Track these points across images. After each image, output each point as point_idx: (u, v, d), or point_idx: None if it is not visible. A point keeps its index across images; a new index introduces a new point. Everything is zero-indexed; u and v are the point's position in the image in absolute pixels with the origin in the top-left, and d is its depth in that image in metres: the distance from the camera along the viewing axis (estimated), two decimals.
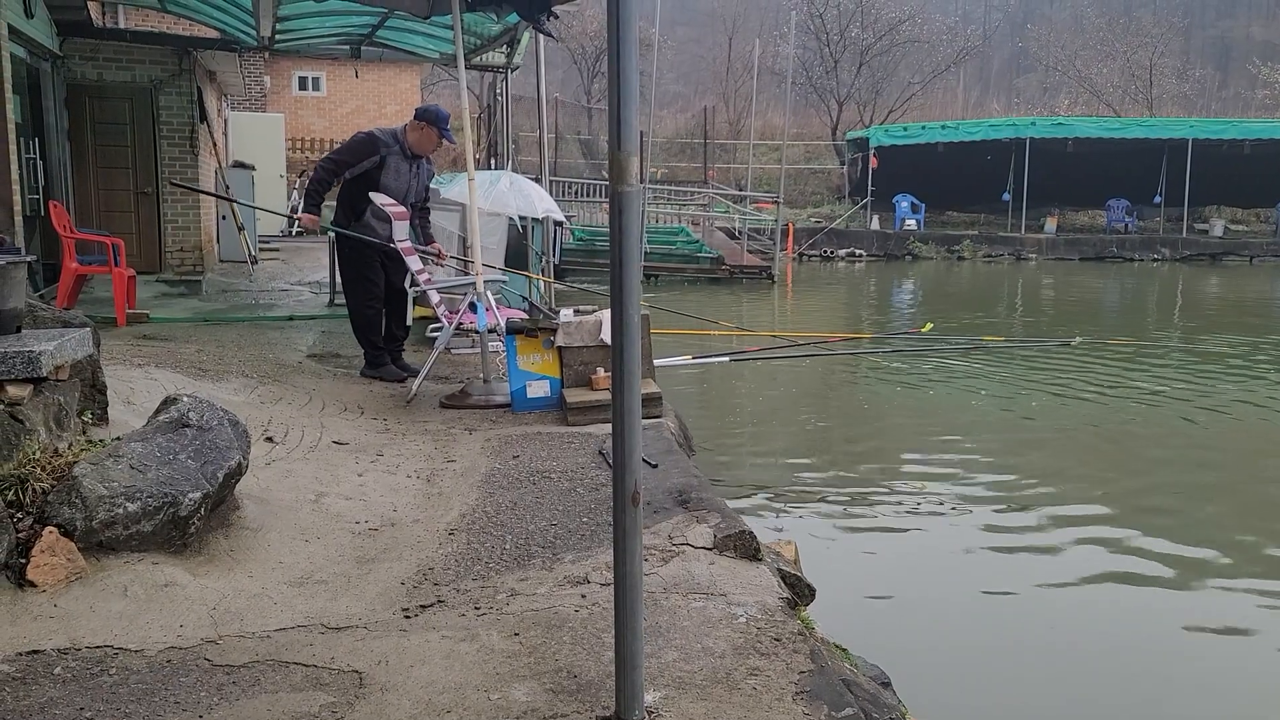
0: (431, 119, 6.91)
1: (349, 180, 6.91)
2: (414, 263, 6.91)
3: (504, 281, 7.51)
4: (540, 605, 3.38)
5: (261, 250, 15.61)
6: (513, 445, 5.38)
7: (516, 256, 8.83)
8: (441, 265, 7.69)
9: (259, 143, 19.16)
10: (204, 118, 12.45)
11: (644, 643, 2.66)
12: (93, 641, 3.08)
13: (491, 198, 8.47)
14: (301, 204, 6.77)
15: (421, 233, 7.35)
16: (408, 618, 3.32)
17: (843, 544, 6.54)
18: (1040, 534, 6.68)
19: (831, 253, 28.84)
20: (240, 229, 13.82)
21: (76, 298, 9.03)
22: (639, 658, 2.60)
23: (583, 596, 3.45)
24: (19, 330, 4.25)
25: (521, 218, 9.11)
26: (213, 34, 12.35)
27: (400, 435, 5.64)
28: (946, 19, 45.57)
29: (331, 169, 6.87)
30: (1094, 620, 5.46)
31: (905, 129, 31.62)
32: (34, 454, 3.72)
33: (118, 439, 4.01)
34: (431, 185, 7.57)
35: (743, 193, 26.86)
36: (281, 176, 19.87)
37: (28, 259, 4.84)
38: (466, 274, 6.93)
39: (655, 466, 4.80)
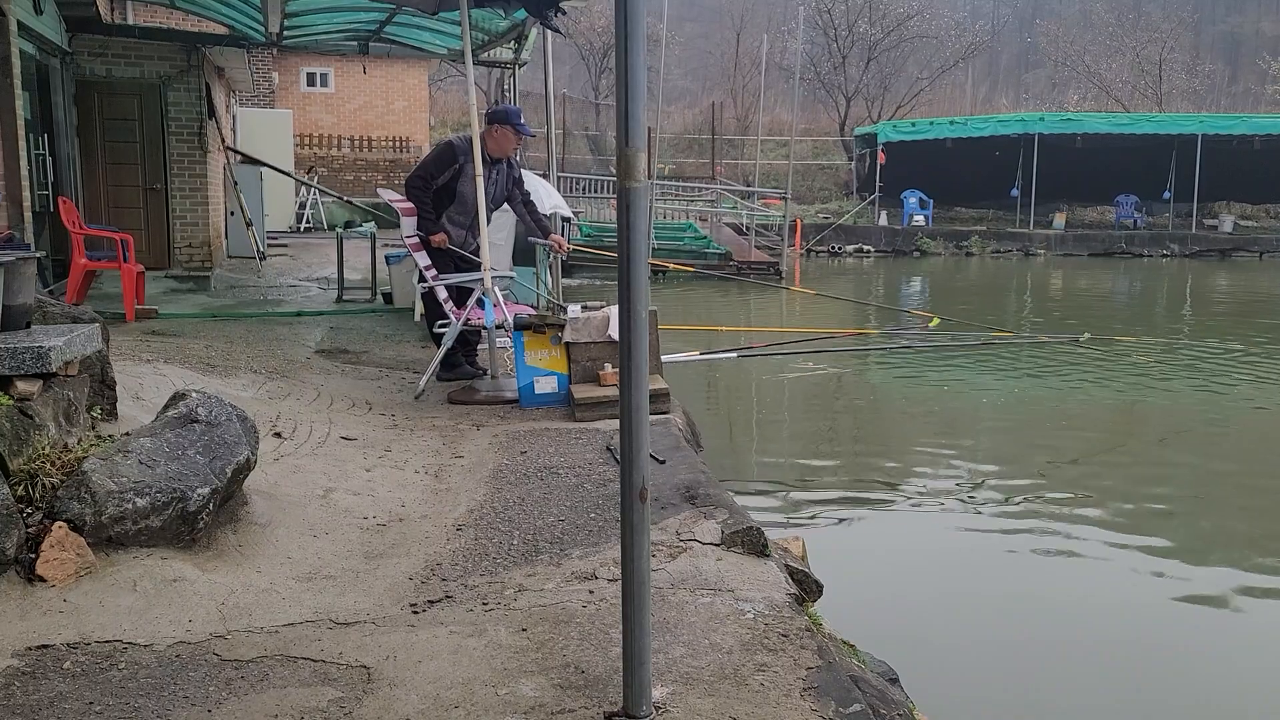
0: (502, 119, 6.92)
1: (434, 189, 6.94)
2: (422, 259, 6.92)
3: (512, 277, 7.51)
4: (548, 601, 3.38)
5: (270, 246, 15.64)
6: (520, 441, 5.38)
7: (524, 253, 8.83)
8: (563, 255, 7.70)
9: (267, 139, 19.18)
10: (212, 114, 12.47)
11: (651, 638, 2.66)
12: (102, 636, 3.09)
13: None
14: (415, 224, 6.85)
15: (537, 225, 7.33)
16: (416, 613, 3.32)
17: (851, 540, 6.53)
18: (1049, 530, 6.66)
19: (839, 249, 28.80)
20: (249, 225, 13.84)
21: (85, 293, 9.04)
22: (646, 653, 2.60)
23: (590, 592, 3.45)
24: (28, 326, 4.26)
25: None
26: (221, 30, 12.36)
27: (408, 431, 5.64)
28: (955, 14, 45.43)
29: (422, 185, 6.90)
30: (1102, 616, 5.45)
31: (913, 125, 31.55)
32: (43, 449, 3.73)
33: (127, 434, 4.02)
34: None
35: (750, 189, 26.83)
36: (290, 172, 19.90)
37: (37, 255, 4.86)
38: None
39: (663, 462, 4.80)
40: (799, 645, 3.03)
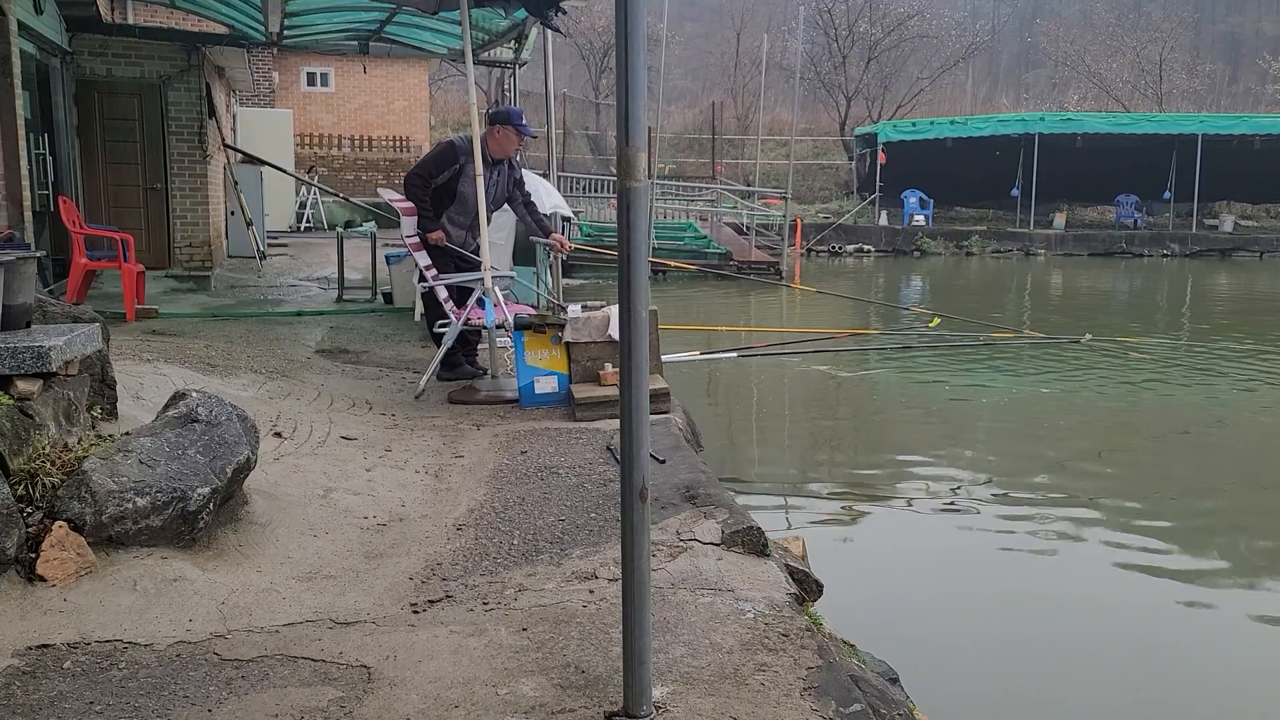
0: (504, 120, 6.91)
1: (433, 189, 6.93)
2: (422, 259, 6.92)
3: (512, 277, 7.51)
4: (548, 600, 3.38)
5: (270, 246, 15.64)
6: (521, 441, 5.38)
7: (524, 253, 8.84)
8: (564, 254, 7.66)
9: (267, 139, 19.17)
10: (212, 113, 12.47)
11: (652, 638, 2.66)
12: (102, 636, 3.09)
13: None
14: (415, 224, 6.85)
15: (538, 226, 7.31)
16: (416, 613, 3.32)
17: (851, 540, 6.53)
18: (1049, 530, 6.67)
19: (839, 248, 28.80)
20: (249, 224, 13.84)
21: (86, 293, 9.04)
22: (647, 653, 2.60)
23: (590, 592, 3.45)
24: (29, 325, 4.26)
25: None
26: (221, 30, 12.37)
27: (408, 431, 5.64)
28: (955, 14, 45.48)
29: (421, 184, 6.90)
30: (1102, 616, 5.45)
31: (914, 124, 31.55)
32: (44, 449, 3.73)
33: (127, 434, 4.02)
34: None
35: (751, 188, 26.83)
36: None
37: (37, 254, 4.85)
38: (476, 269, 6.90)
39: (663, 462, 4.80)
40: (799, 645, 3.03)
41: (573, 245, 7.91)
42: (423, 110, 27.04)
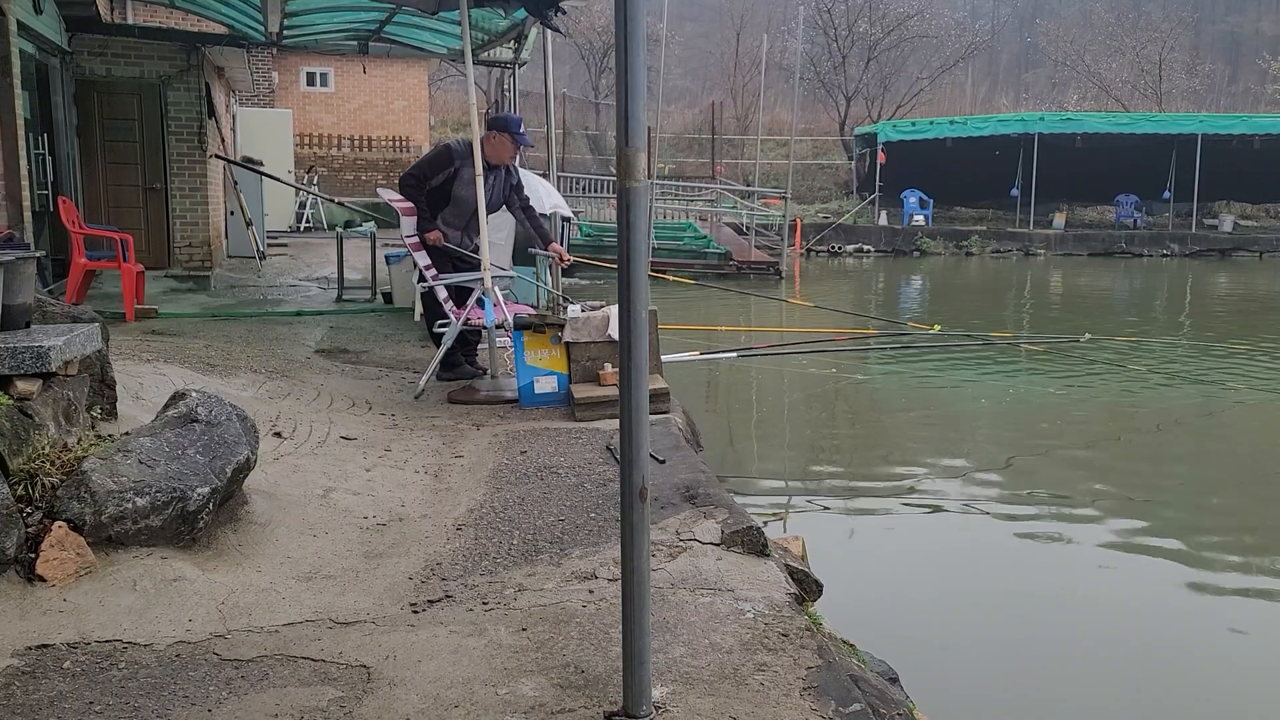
0: (501, 126, 6.91)
1: (428, 190, 6.93)
2: (422, 259, 6.92)
3: (512, 277, 7.51)
4: (548, 600, 3.38)
5: (270, 246, 15.63)
6: (520, 441, 5.38)
7: (525, 253, 8.84)
8: (564, 265, 7.72)
9: (267, 139, 19.17)
10: (212, 113, 12.47)
11: (651, 638, 2.66)
12: (102, 636, 3.09)
13: None
14: (415, 224, 6.85)
15: (537, 232, 7.26)
16: (415, 613, 3.32)
17: (851, 540, 6.53)
18: (1048, 530, 6.67)
19: (839, 248, 28.80)
20: (249, 224, 13.84)
21: (85, 293, 9.04)
22: (646, 653, 2.60)
23: (590, 592, 3.45)
24: (28, 325, 4.26)
25: None
26: (221, 30, 12.37)
27: (408, 431, 5.64)
28: (955, 14, 45.49)
29: (415, 184, 6.90)
30: (1102, 616, 5.45)
31: (913, 124, 31.56)
32: (43, 449, 3.73)
33: (127, 434, 4.02)
34: None
35: (750, 188, 26.83)
36: (289, 172, 19.88)
37: (37, 254, 4.85)
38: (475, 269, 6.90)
39: (663, 462, 4.80)
40: (799, 645, 3.03)
41: (571, 259, 7.88)
42: (422, 110, 27.05)
